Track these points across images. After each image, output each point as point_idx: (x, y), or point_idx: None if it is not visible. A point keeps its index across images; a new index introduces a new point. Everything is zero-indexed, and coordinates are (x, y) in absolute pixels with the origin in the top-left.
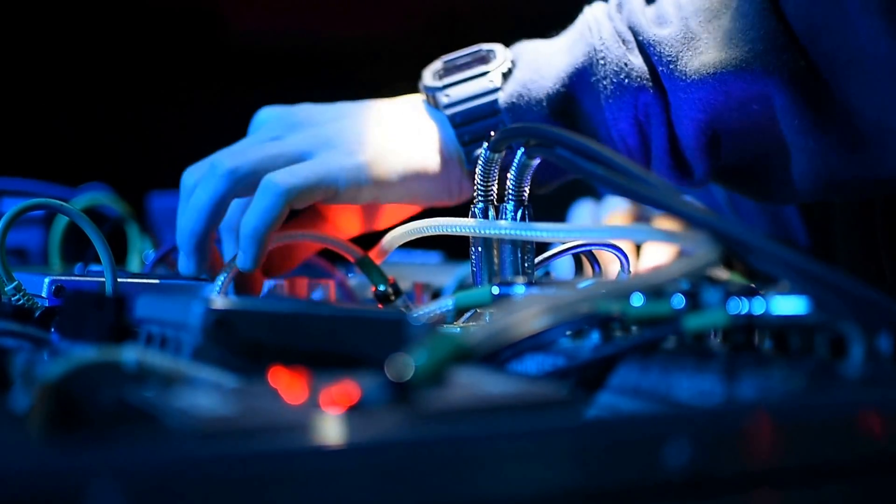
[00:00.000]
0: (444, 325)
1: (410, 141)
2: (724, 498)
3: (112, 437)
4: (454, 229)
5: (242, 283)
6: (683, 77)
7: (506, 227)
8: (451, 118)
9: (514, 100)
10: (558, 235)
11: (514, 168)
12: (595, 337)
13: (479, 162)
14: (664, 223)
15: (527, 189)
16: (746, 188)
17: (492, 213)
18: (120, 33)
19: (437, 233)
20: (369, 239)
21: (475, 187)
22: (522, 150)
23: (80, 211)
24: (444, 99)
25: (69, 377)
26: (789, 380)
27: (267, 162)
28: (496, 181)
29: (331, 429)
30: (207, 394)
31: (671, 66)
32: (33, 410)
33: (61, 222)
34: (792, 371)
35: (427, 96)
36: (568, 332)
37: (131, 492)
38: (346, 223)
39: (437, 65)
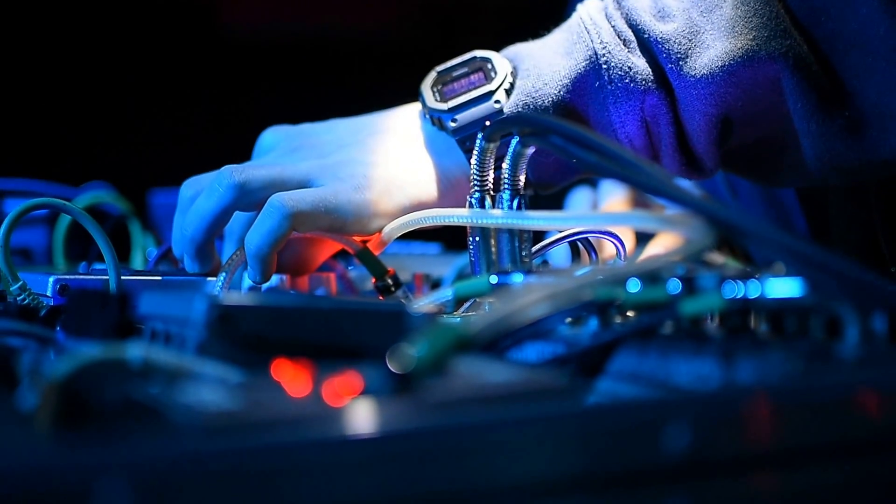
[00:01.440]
0: (444, 316)
1: (417, 171)
2: (724, 480)
3: (118, 433)
4: (450, 220)
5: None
6: (693, 73)
7: (500, 216)
8: (461, 143)
9: (520, 110)
10: (553, 223)
11: (508, 157)
12: (593, 323)
13: (475, 152)
14: (663, 210)
15: (522, 178)
16: (753, 173)
17: (488, 202)
18: (119, 33)
19: (434, 223)
20: None
21: (471, 178)
22: (517, 139)
23: (82, 210)
24: (451, 124)
25: (75, 375)
26: (786, 362)
27: (276, 181)
28: (492, 171)
29: (334, 421)
30: (212, 389)
31: (680, 64)
32: (41, 408)
33: (64, 221)
34: (788, 353)
35: (432, 118)
36: (567, 320)
37: (138, 487)
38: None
39: (432, 77)
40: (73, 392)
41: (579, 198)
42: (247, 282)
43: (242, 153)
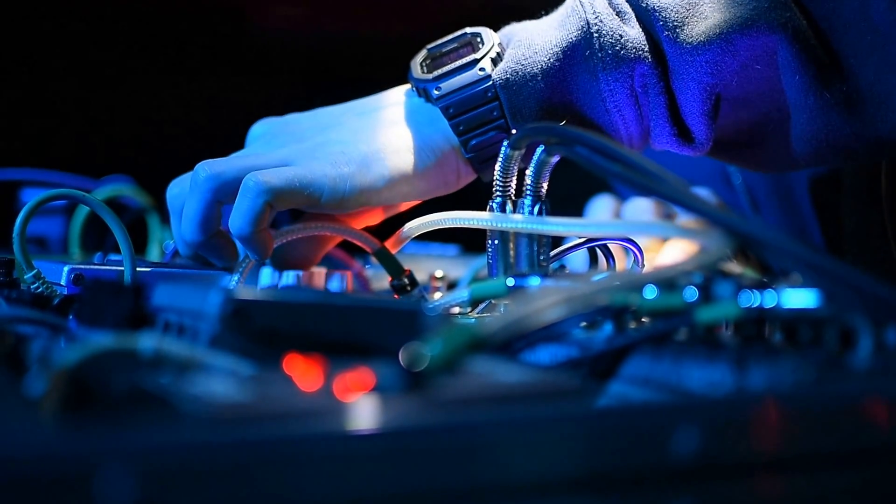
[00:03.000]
0: (460, 316)
1: (397, 143)
2: (732, 484)
3: (125, 420)
4: (471, 222)
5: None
6: (689, 41)
7: (520, 220)
8: (445, 111)
9: (509, 76)
10: (572, 229)
11: (532, 165)
12: (608, 328)
13: (499, 159)
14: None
15: (545, 185)
16: (744, 158)
17: (509, 207)
18: (143, 28)
19: (454, 225)
20: (387, 229)
21: (494, 183)
22: (542, 147)
23: (100, 200)
24: (435, 92)
25: (85, 363)
26: (798, 370)
27: (250, 169)
28: (515, 177)
29: (344, 415)
30: (222, 380)
31: (676, 32)
32: (47, 395)
33: (82, 212)
34: (801, 362)
35: (418, 90)
36: (582, 324)
37: (142, 475)
38: (363, 214)
39: (422, 54)
40: (81, 380)
41: (600, 205)
42: (264, 277)
43: None
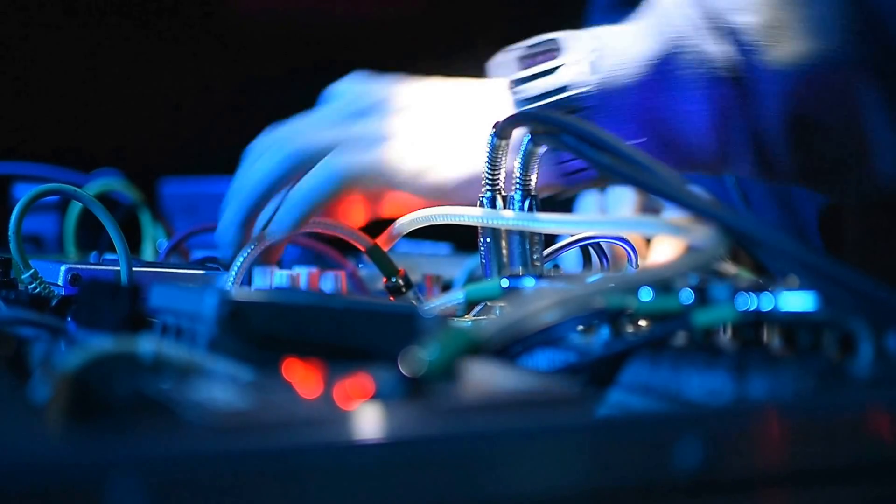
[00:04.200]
0: (455, 319)
1: (475, 144)
2: (733, 497)
3: (129, 429)
4: (461, 219)
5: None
6: (771, 66)
7: (511, 217)
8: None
9: (590, 90)
10: (565, 227)
11: (520, 156)
12: (605, 332)
13: (487, 149)
14: (674, 217)
15: (534, 178)
16: (827, 187)
17: (499, 202)
18: (130, 19)
19: (445, 221)
20: (376, 225)
21: (483, 176)
22: (528, 137)
23: (93, 198)
24: (514, 97)
25: (87, 368)
26: (798, 379)
27: (332, 146)
28: (503, 169)
29: (346, 424)
30: (223, 387)
31: (758, 56)
32: (52, 401)
33: (76, 209)
34: (801, 370)
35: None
36: (578, 327)
37: (147, 483)
38: (352, 211)
39: (502, 55)
40: (84, 385)
41: (589, 202)
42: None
43: None
